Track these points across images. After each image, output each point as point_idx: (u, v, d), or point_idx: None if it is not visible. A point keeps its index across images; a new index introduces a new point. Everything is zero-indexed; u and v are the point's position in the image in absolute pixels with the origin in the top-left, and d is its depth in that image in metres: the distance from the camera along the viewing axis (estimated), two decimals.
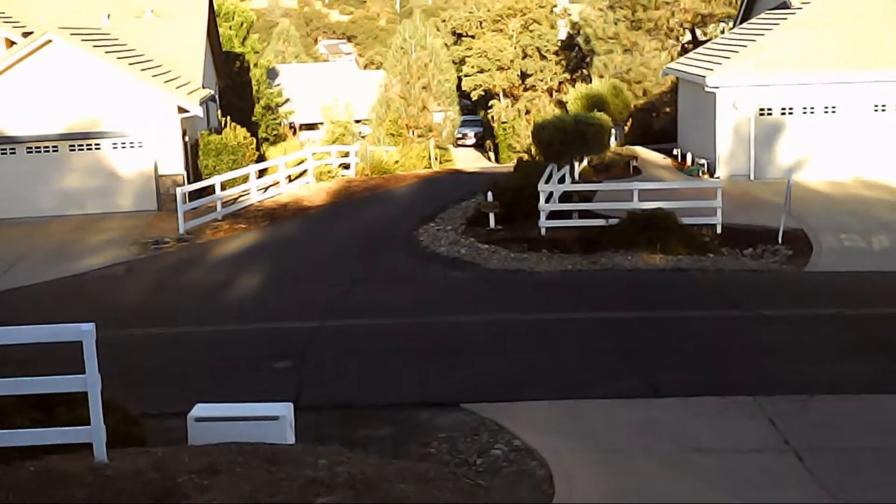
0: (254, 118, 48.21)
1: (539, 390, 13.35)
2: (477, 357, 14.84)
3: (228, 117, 32.81)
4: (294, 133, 56.82)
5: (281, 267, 21.79)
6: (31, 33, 33.78)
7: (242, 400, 12.78)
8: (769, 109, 28.63)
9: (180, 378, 14.48)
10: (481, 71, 59.64)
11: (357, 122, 63.36)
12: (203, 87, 33.38)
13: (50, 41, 28.54)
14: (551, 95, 57.71)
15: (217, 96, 41.48)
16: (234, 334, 16.66)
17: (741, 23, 35.43)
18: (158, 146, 29.28)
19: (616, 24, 45.51)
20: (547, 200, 23.44)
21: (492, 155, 60.23)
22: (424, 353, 15.11)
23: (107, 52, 29.25)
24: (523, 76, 59.09)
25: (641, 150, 35.84)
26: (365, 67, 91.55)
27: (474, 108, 66.20)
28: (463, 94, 62.31)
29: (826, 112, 28.56)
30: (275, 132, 49.87)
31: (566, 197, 25.01)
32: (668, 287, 18.98)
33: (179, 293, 19.82)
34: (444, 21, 67.22)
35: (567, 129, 23.55)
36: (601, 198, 24.78)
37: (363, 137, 50.13)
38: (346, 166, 37.38)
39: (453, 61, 62.51)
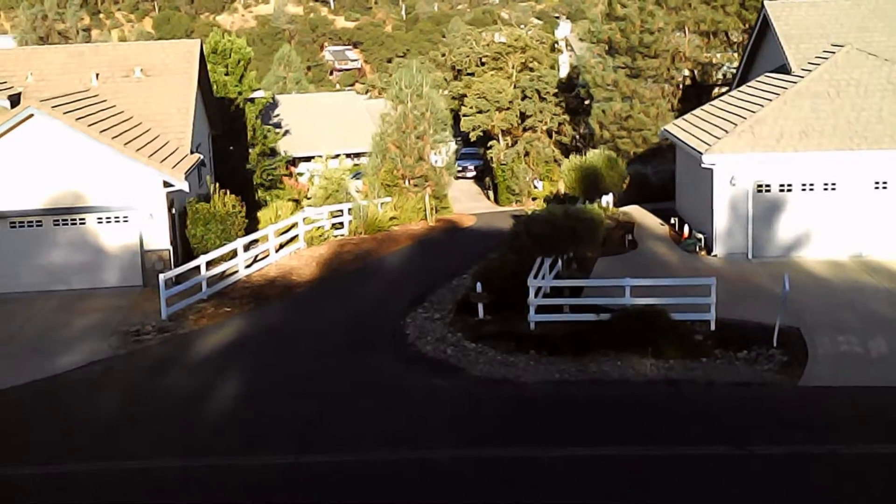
0: (248, 165, 47.60)
1: None
2: None
3: (217, 184, 32.18)
4: (291, 175, 56.22)
5: (259, 371, 21.15)
6: (17, 95, 33.40)
7: None
8: (767, 186, 27.91)
9: None
10: (480, 111, 58.98)
11: (357, 154, 62.89)
12: (192, 149, 32.85)
13: (32, 115, 27.96)
14: (551, 136, 57.10)
15: (209, 146, 40.96)
16: (198, 473, 15.93)
17: (739, 85, 34.76)
18: (144, 220, 28.76)
19: (616, 71, 44.84)
20: (536, 295, 22.89)
21: (491, 194, 59.66)
22: None
23: (90, 125, 28.66)
24: (522, 117, 58.40)
25: (638, 213, 35.17)
26: (368, 93, 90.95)
27: (476, 140, 65.67)
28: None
29: (826, 189, 27.81)
30: (270, 177, 49.21)
31: (557, 286, 24.43)
32: (656, 409, 18.29)
33: (148, 409, 19.10)
34: (443, 55, 66.69)
35: (557, 223, 22.94)
36: (592, 291, 24.14)
37: (357, 178, 49.41)
38: (340, 225, 36.79)
39: (453, 97, 61.99)
